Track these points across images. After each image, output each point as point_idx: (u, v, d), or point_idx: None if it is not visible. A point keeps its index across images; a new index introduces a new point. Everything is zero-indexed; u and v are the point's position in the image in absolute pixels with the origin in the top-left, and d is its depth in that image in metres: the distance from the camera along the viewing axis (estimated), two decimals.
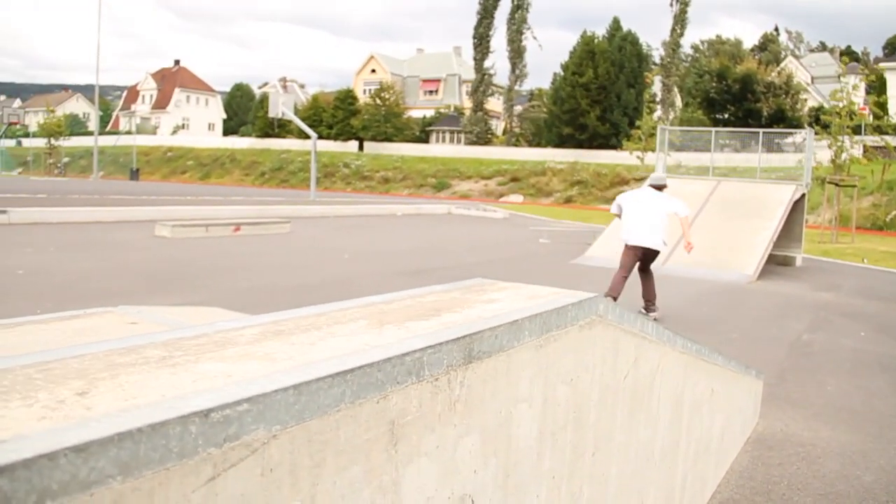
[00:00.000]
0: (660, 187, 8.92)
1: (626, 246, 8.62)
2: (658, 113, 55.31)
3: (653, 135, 33.44)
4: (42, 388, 0.91)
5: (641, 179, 24.12)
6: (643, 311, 8.47)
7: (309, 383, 0.98)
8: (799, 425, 4.98)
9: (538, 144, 59.50)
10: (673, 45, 59.37)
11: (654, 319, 7.42)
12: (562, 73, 58.77)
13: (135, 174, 59.11)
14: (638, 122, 44.38)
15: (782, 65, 67.48)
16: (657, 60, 61.85)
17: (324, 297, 7.54)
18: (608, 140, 53.69)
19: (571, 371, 1.76)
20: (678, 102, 61.19)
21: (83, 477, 0.73)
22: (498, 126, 70.03)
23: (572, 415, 1.79)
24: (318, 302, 1.68)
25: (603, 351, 1.95)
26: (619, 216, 9.09)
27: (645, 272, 8.70)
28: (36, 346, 2.03)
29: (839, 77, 29.79)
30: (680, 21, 58.48)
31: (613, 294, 8.33)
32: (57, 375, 0.96)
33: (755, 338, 7.98)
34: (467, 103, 69.92)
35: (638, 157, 41.80)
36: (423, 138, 67.42)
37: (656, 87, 60.02)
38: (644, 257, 8.58)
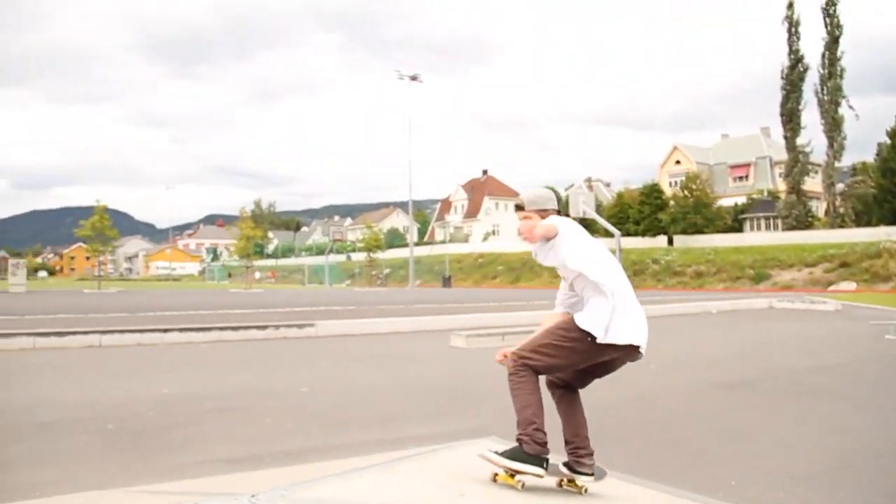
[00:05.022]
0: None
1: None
2: None
3: None
4: None
5: None
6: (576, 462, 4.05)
7: None
8: None
9: (868, 223, 53.25)
10: None
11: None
12: (888, 142, 52.94)
13: (447, 281, 61.75)
14: None
15: None
16: None
17: (626, 420, 5.88)
18: None
19: None
20: None
21: None
22: (818, 207, 64.14)
23: None
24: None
25: None
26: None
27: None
28: None
29: None
30: None
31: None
32: None
33: None
34: (781, 186, 65.08)
35: None
36: (736, 227, 63.59)
37: None
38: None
